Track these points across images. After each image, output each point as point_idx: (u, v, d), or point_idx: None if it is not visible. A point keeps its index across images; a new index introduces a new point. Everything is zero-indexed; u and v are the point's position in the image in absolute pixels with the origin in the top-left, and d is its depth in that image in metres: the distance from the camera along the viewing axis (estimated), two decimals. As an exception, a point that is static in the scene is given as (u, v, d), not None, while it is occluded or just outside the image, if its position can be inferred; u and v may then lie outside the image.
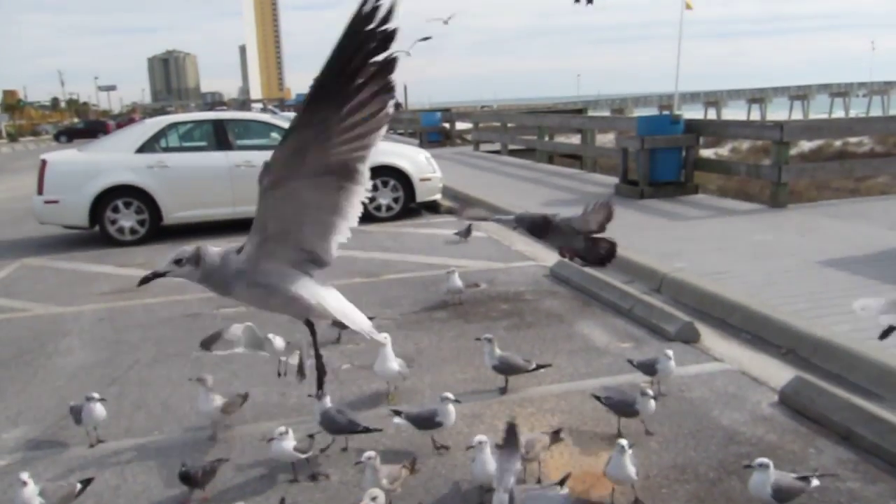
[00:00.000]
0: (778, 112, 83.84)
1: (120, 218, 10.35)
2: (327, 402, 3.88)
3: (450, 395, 3.80)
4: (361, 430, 3.80)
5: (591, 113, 39.79)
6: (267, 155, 10.48)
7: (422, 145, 23.53)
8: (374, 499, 2.97)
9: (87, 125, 62.14)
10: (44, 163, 10.51)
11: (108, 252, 9.98)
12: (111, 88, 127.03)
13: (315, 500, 3.52)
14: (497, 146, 21.75)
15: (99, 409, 4.11)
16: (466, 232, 9.06)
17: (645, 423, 3.98)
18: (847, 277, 6.26)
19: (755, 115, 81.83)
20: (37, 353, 5.93)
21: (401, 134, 35.04)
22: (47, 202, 10.28)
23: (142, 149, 10.54)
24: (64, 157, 11.49)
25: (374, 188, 10.90)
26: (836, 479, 3.43)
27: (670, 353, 4.33)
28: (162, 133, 10.89)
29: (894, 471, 3.47)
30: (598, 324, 5.83)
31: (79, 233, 11.09)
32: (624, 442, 3.24)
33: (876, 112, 78.47)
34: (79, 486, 3.43)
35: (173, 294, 7.44)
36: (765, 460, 3.13)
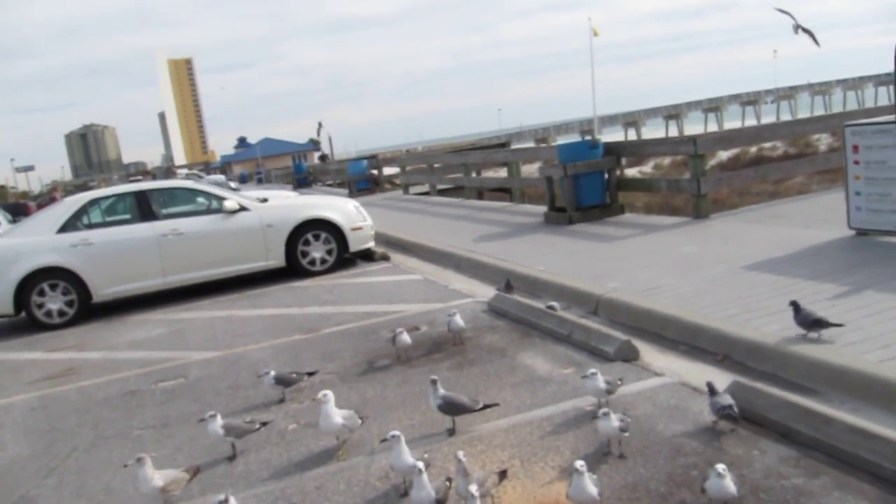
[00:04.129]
0: (695, 125, 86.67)
1: (46, 301, 10.03)
2: None
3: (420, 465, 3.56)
4: None
5: (514, 145, 40.42)
6: (193, 221, 10.42)
7: (351, 194, 23.55)
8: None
9: (5, 209, 60.38)
10: (-40, 253, 10.15)
11: (37, 337, 9.65)
12: (29, 169, 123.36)
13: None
14: (426, 187, 21.91)
15: None
16: (507, 287, 7.59)
17: (611, 445, 4.03)
18: (772, 278, 6.47)
19: (673, 131, 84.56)
20: (-33, 452, 5.67)
21: (329, 185, 35.04)
22: (-32, 293, 9.91)
23: (63, 228, 10.29)
24: (-18, 245, 11.14)
25: (306, 242, 10.92)
26: (780, 477, 3.51)
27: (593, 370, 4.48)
28: (83, 210, 10.65)
29: (834, 462, 3.57)
30: (539, 353, 5.88)
31: (4, 321, 10.72)
32: (580, 463, 3.28)
33: (785, 116, 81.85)
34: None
35: (107, 373, 7.24)
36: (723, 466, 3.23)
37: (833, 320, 4.80)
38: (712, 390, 4.13)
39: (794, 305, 4.90)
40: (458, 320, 6.34)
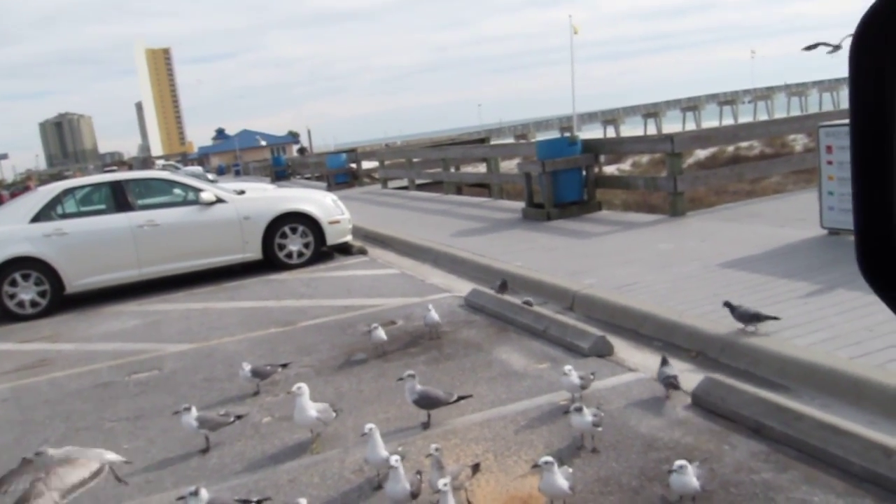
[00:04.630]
0: (672, 124, 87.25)
1: (19, 291, 9.91)
2: None
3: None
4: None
5: (494, 141, 40.46)
6: (169, 212, 10.33)
7: (329, 188, 23.47)
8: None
9: (-24, 197, 59.46)
10: (-69, 242, 10.00)
11: (10, 329, 9.53)
12: (3, 157, 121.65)
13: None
14: (405, 182, 21.88)
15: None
16: (501, 287, 7.32)
17: (584, 439, 4.05)
18: (746, 276, 6.54)
19: (652, 129, 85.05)
20: (-64, 443, 5.59)
21: (308, 178, 34.87)
22: (-62, 283, 9.77)
23: (37, 217, 10.16)
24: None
25: (283, 235, 10.87)
26: (750, 472, 3.56)
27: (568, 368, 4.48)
28: (57, 200, 10.53)
29: (803, 457, 3.62)
30: (515, 348, 5.90)
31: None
32: (548, 458, 3.31)
33: (762, 116, 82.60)
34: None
35: (80, 365, 7.18)
36: (682, 462, 3.26)
37: (769, 313, 4.98)
38: (664, 361, 4.56)
39: (728, 305, 5.09)
40: (434, 315, 6.35)
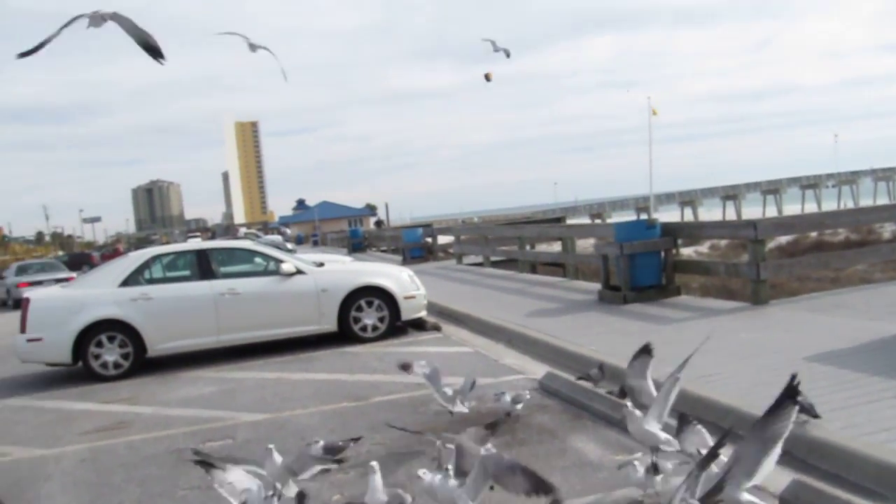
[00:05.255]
0: (752, 207, 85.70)
1: (103, 353, 10.25)
2: None
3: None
4: None
5: (569, 219, 40.45)
6: (250, 282, 10.54)
7: (405, 262, 23.74)
8: None
9: (71, 258, 62.19)
10: (27, 301, 10.49)
11: (92, 388, 9.83)
12: (96, 220, 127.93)
13: None
14: (479, 258, 21.97)
15: None
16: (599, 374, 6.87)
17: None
18: (833, 371, 6.26)
19: (731, 212, 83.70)
20: (16, 500, 5.74)
21: (384, 251, 35.42)
22: (30, 340, 10.19)
23: (126, 282, 10.57)
24: (47, 295, 11.52)
25: (359, 309, 10.99)
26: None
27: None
28: (146, 265, 10.95)
29: (903, 576, 3.38)
30: (591, 437, 5.75)
31: (61, 369, 10.96)
32: None
33: (847, 200, 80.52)
34: None
35: (157, 429, 7.31)
36: None
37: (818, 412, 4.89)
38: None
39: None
40: (508, 398, 6.26)
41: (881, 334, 7.41)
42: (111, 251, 55.89)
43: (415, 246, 27.19)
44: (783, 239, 32.35)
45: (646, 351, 5.40)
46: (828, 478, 4.42)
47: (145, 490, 5.68)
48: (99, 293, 10.51)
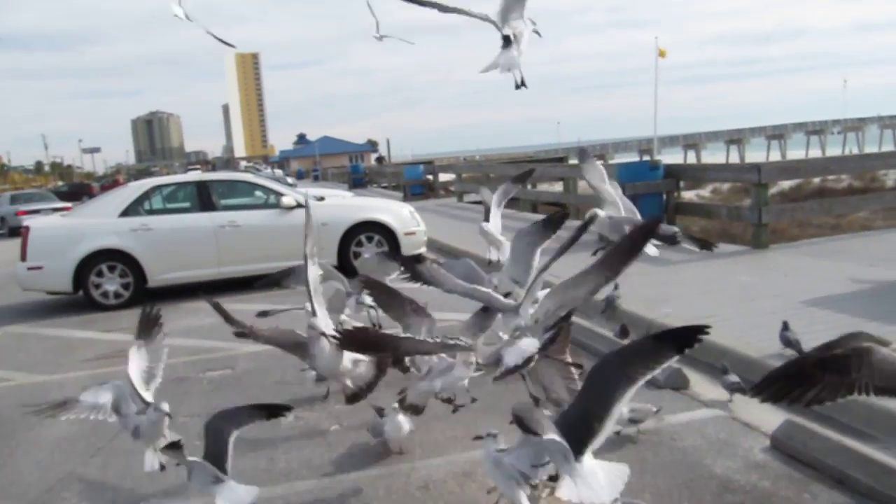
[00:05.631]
0: (756, 152, 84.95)
1: (104, 282, 10.29)
2: None
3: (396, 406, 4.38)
4: None
5: (572, 160, 40.20)
6: (251, 214, 10.51)
7: (405, 198, 23.68)
8: None
9: (70, 188, 61.94)
10: (27, 229, 10.49)
11: (93, 317, 9.89)
12: (95, 150, 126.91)
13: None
14: (480, 197, 21.87)
15: None
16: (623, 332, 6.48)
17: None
18: (831, 316, 6.28)
19: (734, 156, 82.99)
20: (19, 424, 5.82)
21: (384, 187, 35.27)
22: (31, 268, 10.22)
23: (125, 212, 10.54)
24: (47, 223, 11.52)
25: (359, 244, 10.99)
26: (832, 526, 3.40)
27: None
28: (146, 196, 10.91)
29: (890, 514, 3.44)
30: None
31: (62, 298, 11.01)
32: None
33: (852, 148, 79.87)
34: None
35: (158, 358, 7.36)
36: None
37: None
38: (725, 370, 4.91)
39: (784, 324, 5.38)
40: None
41: (880, 280, 7.42)
42: (111, 182, 55.57)
43: (416, 183, 27.09)
44: (786, 184, 32.18)
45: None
46: (820, 419, 4.46)
47: (146, 416, 5.75)
48: (99, 223, 10.50)
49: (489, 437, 3.35)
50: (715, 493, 3.76)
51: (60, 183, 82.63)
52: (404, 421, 4.42)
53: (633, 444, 4.34)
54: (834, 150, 77.32)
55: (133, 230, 10.37)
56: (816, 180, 31.36)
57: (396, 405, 4.42)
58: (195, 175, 12.50)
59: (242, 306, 9.69)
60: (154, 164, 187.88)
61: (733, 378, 4.83)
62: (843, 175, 31.03)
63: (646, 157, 15.29)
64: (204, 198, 10.89)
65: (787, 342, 5.29)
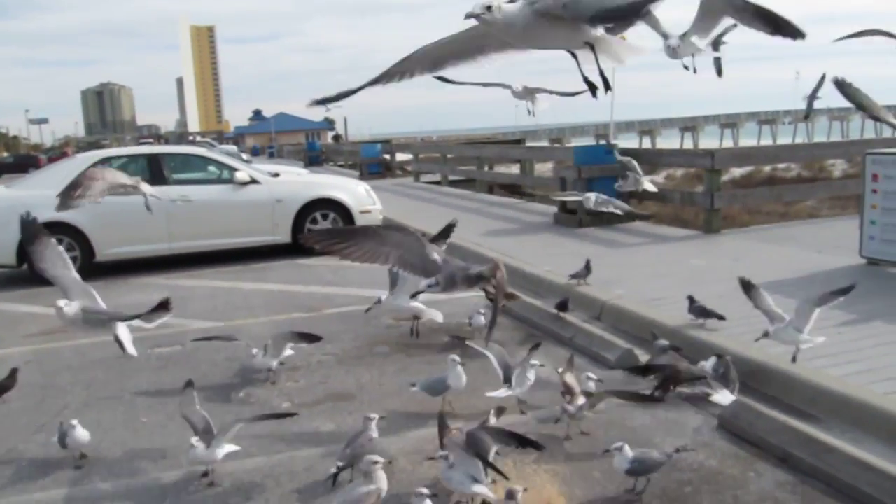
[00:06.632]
0: (710, 139, 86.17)
1: (49, 256, 10.00)
2: None
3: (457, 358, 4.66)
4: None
5: (529, 142, 40.32)
6: (203, 189, 10.38)
7: (362, 177, 23.51)
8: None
9: (16, 159, 60.10)
10: (-32, 200, 10.14)
11: (37, 291, 9.59)
12: (43, 122, 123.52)
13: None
14: (437, 177, 21.84)
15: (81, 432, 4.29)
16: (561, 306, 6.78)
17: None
18: (779, 300, 6.35)
19: (688, 143, 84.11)
20: (-42, 400, 5.64)
21: (341, 166, 34.99)
22: (-28, 241, 9.89)
23: (73, 184, 10.25)
24: (-10, 195, 11.14)
25: (314, 221, 10.88)
26: (775, 502, 3.47)
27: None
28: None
29: (831, 491, 3.53)
30: (540, 354, 5.82)
31: (5, 272, 10.70)
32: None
33: (802, 138, 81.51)
34: None
35: (104, 334, 7.20)
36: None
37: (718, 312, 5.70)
38: (654, 336, 5.41)
39: (690, 298, 5.88)
40: (481, 318, 6.25)
41: (825, 267, 7.59)
42: (59, 154, 54.05)
43: (372, 161, 26.90)
44: (738, 172, 32.77)
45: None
46: (766, 400, 4.56)
47: (92, 393, 5.64)
48: (44, 195, 10.15)
49: (441, 458, 3.53)
50: (663, 472, 3.80)
51: (6, 154, 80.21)
52: (462, 373, 4.71)
53: (581, 422, 4.36)
54: (785, 140, 78.83)
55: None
56: (767, 168, 31.98)
57: (456, 357, 4.74)
58: (147, 148, 12.22)
59: (194, 283, 9.56)
60: (105, 137, 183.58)
61: (663, 342, 5.25)
62: (793, 164, 31.71)
63: (602, 142, 15.43)
64: (155, 171, 10.63)
65: (700, 312, 5.80)
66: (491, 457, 3.44)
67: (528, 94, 4.42)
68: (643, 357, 5.49)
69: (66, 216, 9.95)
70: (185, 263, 10.61)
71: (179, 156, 11.85)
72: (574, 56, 3.18)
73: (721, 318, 5.70)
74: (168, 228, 10.40)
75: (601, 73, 3.13)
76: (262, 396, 5.32)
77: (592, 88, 3.16)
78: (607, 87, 3.15)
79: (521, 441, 3.45)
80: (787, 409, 4.37)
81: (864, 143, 13.65)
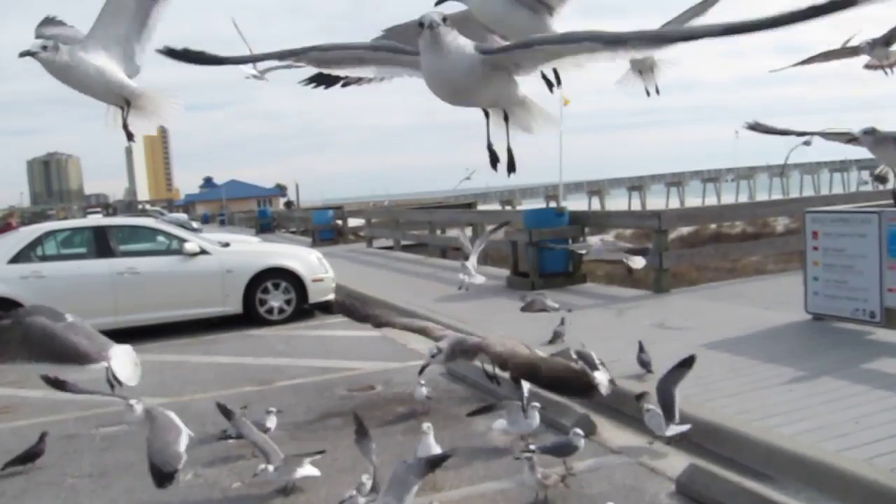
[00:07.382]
0: (656, 198, 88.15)
1: (-10, 333, 9.67)
2: None
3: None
4: None
5: (481, 204, 40.76)
6: (152, 261, 10.20)
7: (314, 244, 23.43)
8: None
9: (-43, 233, 58.44)
10: None
11: (-24, 371, 9.26)
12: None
13: None
14: (390, 242, 21.86)
15: None
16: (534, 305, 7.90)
17: None
18: (729, 358, 6.49)
19: (636, 202, 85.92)
20: None
21: (293, 232, 34.83)
22: None
23: (16, 258, 10.02)
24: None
25: (265, 291, 10.76)
26: (735, 569, 3.44)
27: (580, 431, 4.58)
28: (38, 241, 10.41)
29: (789, 555, 3.52)
30: (495, 421, 5.77)
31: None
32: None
33: (744, 194, 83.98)
34: None
35: (46, 414, 6.96)
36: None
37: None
38: (641, 348, 6.30)
39: (640, 345, 6.37)
40: (423, 391, 6.18)
41: (773, 323, 7.74)
42: (3, 225, 52.82)
43: (325, 228, 26.85)
44: (685, 230, 33.44)
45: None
46: (721, 461, 4.57)
47: (31, 479, 5.39)
48: (-14, 269, 9.91)
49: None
50: (622, 541, 3.77)
51: (-54, 227, 77.96)
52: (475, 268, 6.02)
53: (542, 492, 4.31)
54: (728, 197, 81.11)
55: (23, 277, 9.85)
56: (713, 226, 32.77)
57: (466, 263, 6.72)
58: (93, 220, 12.02)
59: (140, 357, 9.28)
60: (51, 207, 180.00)
61: (646, 357, 6.14)
62: (737, 221, 32.55)
63: (552, 203, 15.68)
64: (101, 243, 10.46)
65: (642, 363, 6.21)
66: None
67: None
68: (600, 422, 5.48)
69: (9, 291, 9.73)
70: (131, 336, 10.28)
71: (127, 227, 11.69)
72: (487, 117, 3.12)
73: (651, 371, 6.05)
74: (114, 301, 10.17)
75: (508, 149, 3.10)
76: (211, 476, 5.15)
77: (494, 161, 3.12)
78: (511, 165, 3.10)
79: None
80: (742, 470, 4.38)
81: (804, 201, 14.13)
